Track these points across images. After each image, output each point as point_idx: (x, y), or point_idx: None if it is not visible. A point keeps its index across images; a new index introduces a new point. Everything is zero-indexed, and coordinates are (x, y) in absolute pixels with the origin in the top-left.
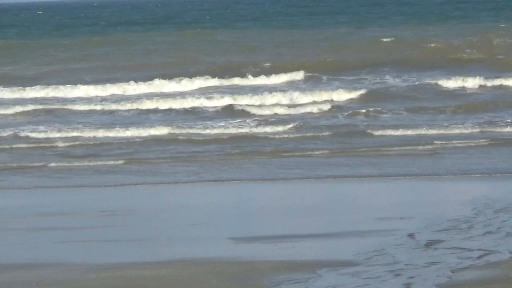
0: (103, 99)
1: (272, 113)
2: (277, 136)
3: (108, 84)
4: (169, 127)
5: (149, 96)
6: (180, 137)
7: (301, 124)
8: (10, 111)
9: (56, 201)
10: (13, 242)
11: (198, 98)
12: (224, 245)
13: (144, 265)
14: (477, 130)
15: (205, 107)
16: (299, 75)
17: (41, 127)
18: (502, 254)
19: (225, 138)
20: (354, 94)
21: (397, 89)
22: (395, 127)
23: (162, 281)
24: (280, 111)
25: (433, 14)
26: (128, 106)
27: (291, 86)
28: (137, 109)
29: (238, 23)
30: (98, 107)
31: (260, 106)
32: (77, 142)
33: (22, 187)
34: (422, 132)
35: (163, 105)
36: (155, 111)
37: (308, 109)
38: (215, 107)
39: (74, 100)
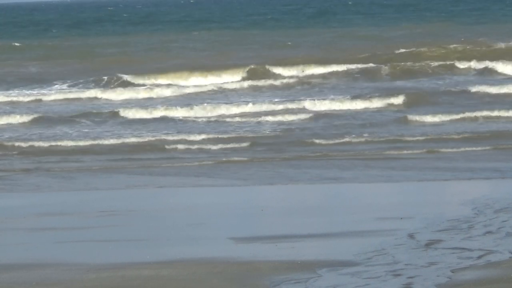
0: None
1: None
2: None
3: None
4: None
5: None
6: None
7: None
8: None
9: (56, 201)
10: (13, 242)
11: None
12: (224, 245)
13: (144, 265)
14: None
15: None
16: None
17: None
18: (502, 254)
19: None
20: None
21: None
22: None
23: (162, 281)
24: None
25: None
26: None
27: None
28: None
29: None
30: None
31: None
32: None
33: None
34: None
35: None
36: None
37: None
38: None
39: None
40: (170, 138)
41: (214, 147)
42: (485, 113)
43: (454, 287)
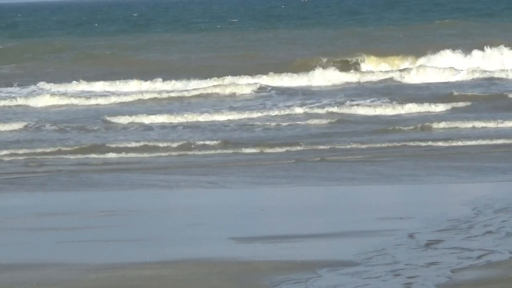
0: None
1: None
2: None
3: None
4: None
5: None
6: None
7: None
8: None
9: (57, 201)
10: (13, 242)
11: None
12: (224, 245)
13: (144, 265)
14: None
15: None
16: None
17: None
18: (502, 254)
19: None
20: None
21: None
22: None
23: (162, 281)
24: None
25: None
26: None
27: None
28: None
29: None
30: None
31: None
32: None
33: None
34: None
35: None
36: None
37: None
38: None
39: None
40: (176, 141)
41: (224, 150)
42: None
43: (454, 287)
